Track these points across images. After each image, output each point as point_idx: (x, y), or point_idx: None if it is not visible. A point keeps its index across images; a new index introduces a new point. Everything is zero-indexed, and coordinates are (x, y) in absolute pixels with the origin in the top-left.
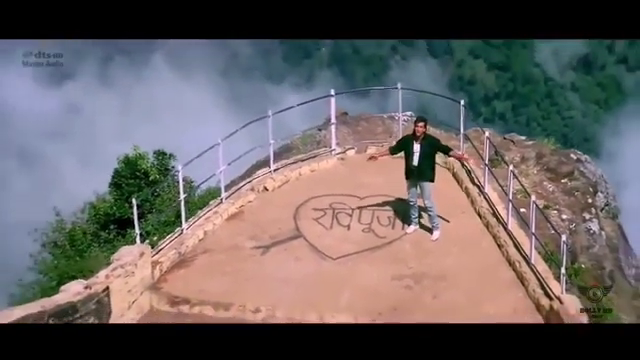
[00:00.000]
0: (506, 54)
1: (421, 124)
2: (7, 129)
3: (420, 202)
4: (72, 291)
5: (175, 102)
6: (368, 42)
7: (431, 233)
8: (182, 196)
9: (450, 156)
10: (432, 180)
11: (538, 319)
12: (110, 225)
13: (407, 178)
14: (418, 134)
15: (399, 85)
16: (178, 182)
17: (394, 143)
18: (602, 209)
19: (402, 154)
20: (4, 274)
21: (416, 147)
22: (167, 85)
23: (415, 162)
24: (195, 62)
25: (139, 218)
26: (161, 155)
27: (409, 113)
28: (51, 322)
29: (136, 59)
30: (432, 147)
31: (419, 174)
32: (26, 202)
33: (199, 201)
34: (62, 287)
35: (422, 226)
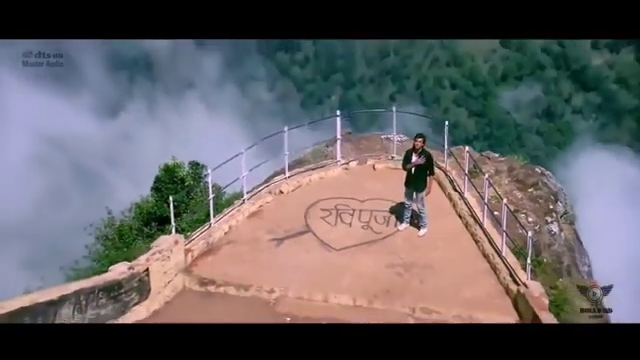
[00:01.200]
0: (483, 104)
1: (420, 140)
2: (68, 151)
3: (414, 206)
4: (118, 271)
5: (207, 133)
6: (371, 91)
7: (418, 230)
8: (211, 196)
9: (428, 176)
10: (423, 190)
11: (507, 301)
12: (151, 222)
13: (405, 185)
14: (417, 148)
15: (394, 108)
16: (208, 187)
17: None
18: (562, 215)
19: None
20: (63, 261)
21: (414, 158)
22: (201, 120)
23: (413, 172)
24: (223, 104)
25: (175, 217)
26: (195, 165)
27: (402, 136)
28: (100, 296)
29: (176, 99)
30: (427, 160)
31: (415, 185)
32: (83, 205)
33: (225, 203)
34: (110, 267)
35: (412, 224)
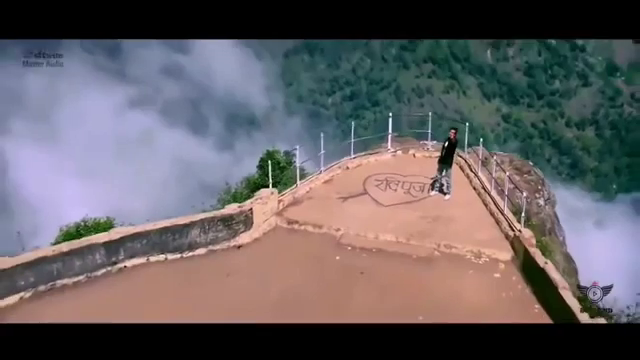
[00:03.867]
0: None
1: (453, 131)
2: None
3: (443, 180)
4: (231, 208)
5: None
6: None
7: (444, 195)
8: (298, 164)
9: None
10: (450, 167)
11: (506, 243)
12: (256, 190)
13: (438, 163)
14: (451, 137)
15: (430, 113)
16: (296, 160)
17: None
18: (546, 200)
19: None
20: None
21: (445, 145)
22: None
23: (445, 153)
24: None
25: (272, 186)
26: (287, 153)
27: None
28: (218, 224)
29: None
30: (454, 147)
31: (446, 162)
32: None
33: (306, 176)
34: (226, 206)
35: (440, 192)
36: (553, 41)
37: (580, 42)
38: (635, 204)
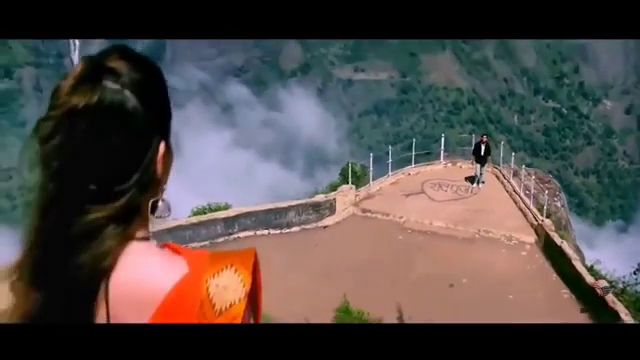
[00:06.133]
0: None
1: (485, 137)
2: None
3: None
4: (319, 197)
5: None
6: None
7: (480, 184)
8: (371, 171)
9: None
10: (485, 165)
11: (531, 230)
12: None
13: (476, 162)
14: (482, 142)
15: (473, 135)
16: (369, 168)
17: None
18: (562, 204)
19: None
20: None
21: (482, 148)
22: None
23: (482, 154)
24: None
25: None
26: (363, 166)
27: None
28: (309, 209)
29: None
30: (488, 150)
31: (481, 162)
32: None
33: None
34: (315, 196)
35: (478, 183)
36: (565, 109)
37: (585, 111)
38: (618, 229)
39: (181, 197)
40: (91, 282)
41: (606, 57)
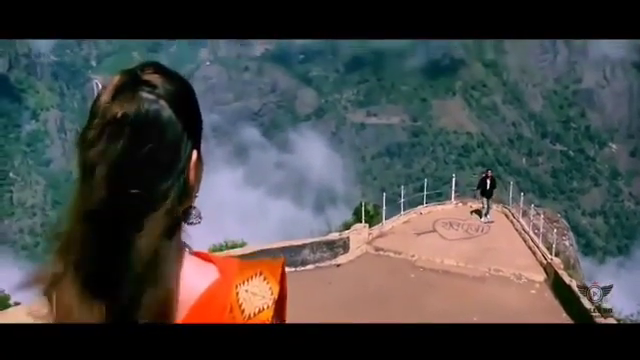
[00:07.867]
0: None
1: (489, 172)
2: None
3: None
4: (333, 235)
5: None
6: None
7: (486, 217)
8: (383, 210)
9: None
10: (491, 197)
11: (540, 268)
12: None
13: (482, 195)
14: (487, 177)
15: (483, 174)
16: (383, 209)
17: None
18: (570, 243)
19: None
20: None
21: (487, 182)
22: None
23: (487, 188)
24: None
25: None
26: (375, 205)
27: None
28: (323, 246)
29: None
30: (494, 183)
31: (487, 195)
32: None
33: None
34: (329, 235)
35: (486, 215)
36: (572, 152)
37: (591, 153)
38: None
39: (196, 232)
40: (158, 304)
41: (611, 102)
